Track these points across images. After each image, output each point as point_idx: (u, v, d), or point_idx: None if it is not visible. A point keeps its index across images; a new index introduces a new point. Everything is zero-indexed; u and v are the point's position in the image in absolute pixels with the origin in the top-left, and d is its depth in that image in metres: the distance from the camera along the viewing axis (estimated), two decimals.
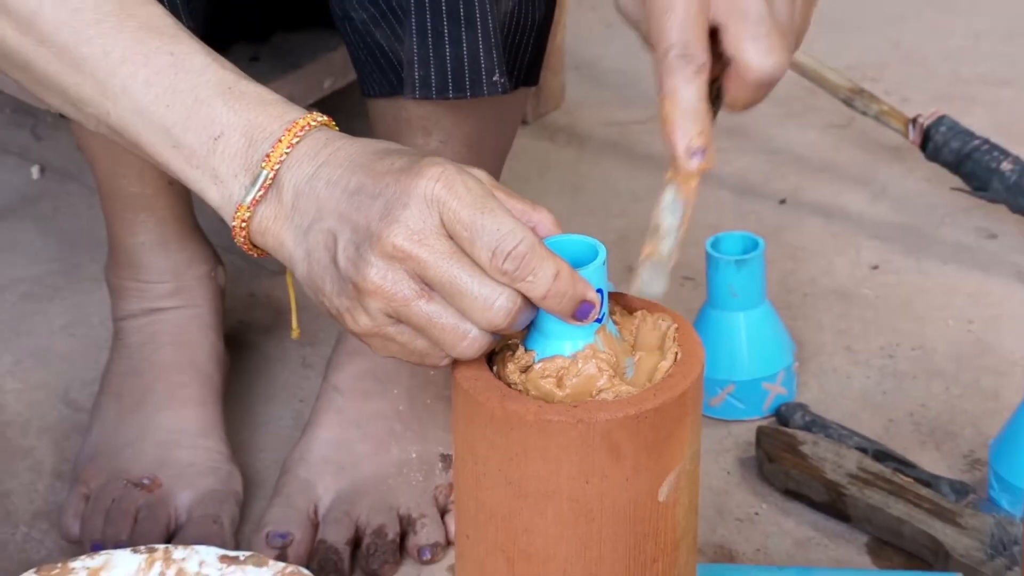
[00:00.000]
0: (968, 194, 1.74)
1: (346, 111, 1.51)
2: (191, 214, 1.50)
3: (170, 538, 1.39)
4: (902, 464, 1.44)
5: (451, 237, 0.99)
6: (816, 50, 1.88)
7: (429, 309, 1.00)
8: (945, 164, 1.74)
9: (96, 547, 1.38)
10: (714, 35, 1.09)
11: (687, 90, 1.06)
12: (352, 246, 1.01)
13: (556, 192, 1.82)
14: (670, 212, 1.09)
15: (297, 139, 1.04)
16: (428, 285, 1.00)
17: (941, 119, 1.75)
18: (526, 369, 1.04)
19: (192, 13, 1.29)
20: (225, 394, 1.50)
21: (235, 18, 1.57)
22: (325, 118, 1.06)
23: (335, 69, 1.70)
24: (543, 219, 1.03)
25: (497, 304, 0.99)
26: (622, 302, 1.09)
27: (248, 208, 1.04)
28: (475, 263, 0.99)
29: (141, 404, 1.45)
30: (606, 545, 1.05)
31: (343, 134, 1.06)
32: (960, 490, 1.41)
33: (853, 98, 1.79)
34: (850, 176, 1.85)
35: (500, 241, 0.98)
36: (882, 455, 1.45)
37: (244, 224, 1.05)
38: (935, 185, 1.81)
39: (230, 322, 1.56)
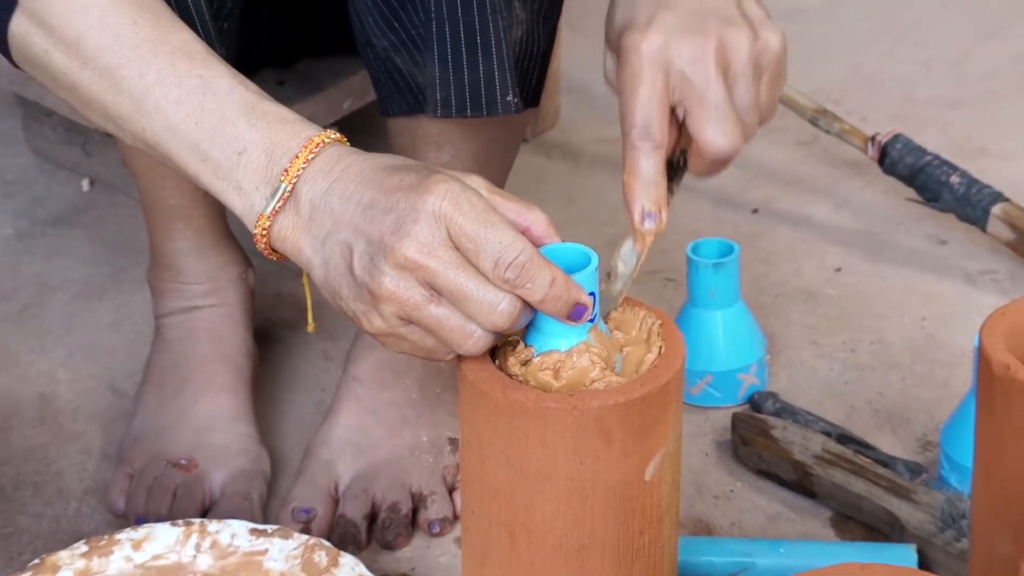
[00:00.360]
0: (921, 204, 1.74)
1: (363, 129, 1.51)
2: (224, 222, 1.50)
3: (205, 513, 1.39)
4: (862, 446, 1.44)
5: (457, 248, 1.00)
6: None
7: (438, 312, 1.01)
8: (900, 177, 1.74)
9: (139, 521, 1.38)
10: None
11: (645, 164, 1.09)
12: (367, 256, 1.01)
13: (552, 202, 1.82)
14: (624, 261, 1.10)
15: (312, 155, 1.05)
16: (437, 291, 1.01)
17: (897, 137, 1.75)
18: (526, 362, 1.04)
19: (225, 42, 1.29)
20: (254, 383, 1.50)
21: (265, 47, 1.57)
22: (338, 135, 1.07)
23: (353, 92, 1.70)
24: (537, 219, 1.04)
25: (500, 308, 1.00)
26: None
27: (268, 218, 1.05)
28: (479, 271, 1.00)
29: (179, 392, 1.45)
30: (598, 520, 1.05)
31: (355, 149, 1.06)
32: (914, 469, 1.41)
33: (818, 118, 1.79)
34: (816, 188, 1.85)
35: (502, 253, 1.00)
36: (844, 438, 1.45)
37: (264, 232, 1.06)
38: (891, 196, 1.81)
39: (259, 319, 1.55)
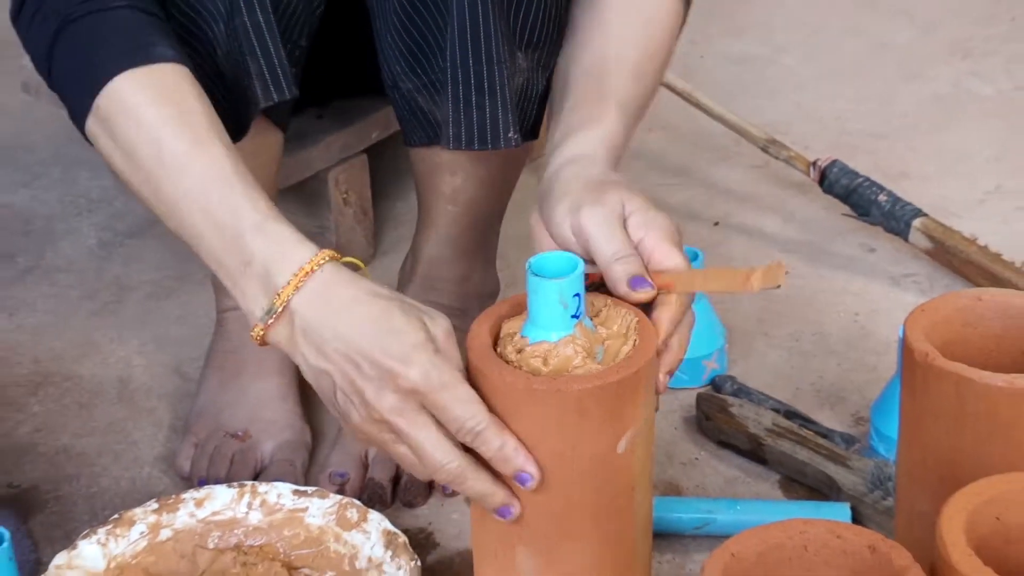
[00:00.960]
0: (854, 219, 1.74)
1: (386, 155, 1.50)
2: None
3: (256, 476, 1.38)
4: (805, 421, 1.43)
5: (428, 412, 1.03)
6: (740, 111, 1.87)
7: (400, 450, 1.05)
8: (837, 196, 1.74)
9: (201, 482, 1.38)
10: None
11: (626, 272, 1.07)
12: (347, 397, 1.04)
13: None
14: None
15: (301, 283, 1.05)
16: (401, 440, 1.04)
17: (834, 162, 1.74)
18: (520, 350, 1.04)
19: (297, 81, 1.29)
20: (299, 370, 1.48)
21: (306, 89, 1.57)
22: (330, 254, 1.07)
23: (380, 125, 1.69)
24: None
25: (449, 467, 1.03)
26: (600, 299, 1.08)
27: (263, 328, 1.07)
28: (439, 430, 1.03)
29: (237, 375, 1.44)
30: (576, 485, 1.04)
31: (345, 278, 1.06)
32: (849, 440, 1.40)
33: (768, 146, 1.79)
34: (767, 205, 1.84)
35: (465, 422, 1.01)
36: (790, 414, 1.44)
37: (259, 337, 1.08)
38: (830, 212, 1.80)
39: None
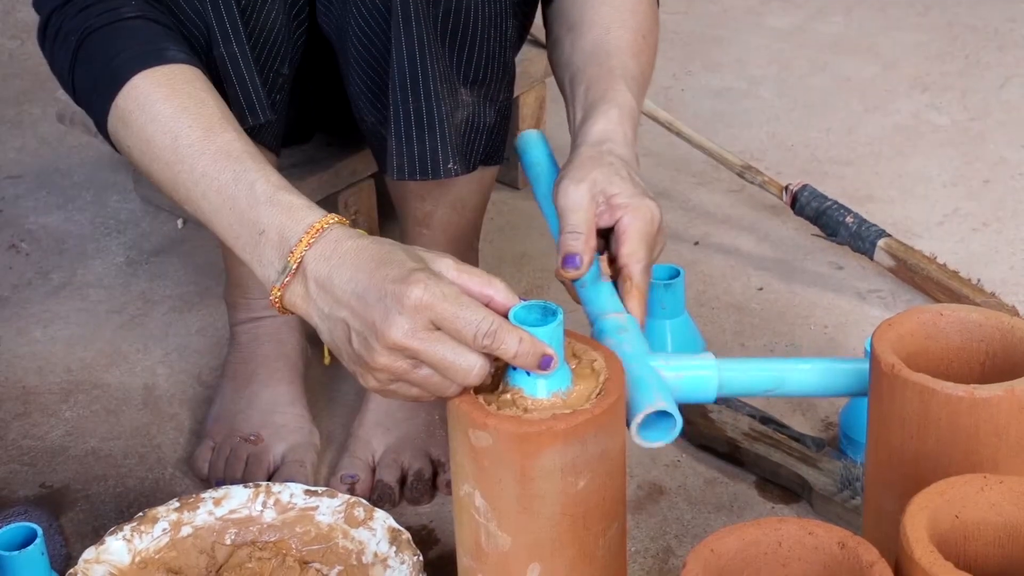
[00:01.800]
0: (823, 239, 1.73)
1: None
2: None
3: (270, 477, 1.37)
4: (779, 426, 1.42)
5: (439, 328, 0.98)
6: (718, 139, 1.86)
7: (423, 373, 0.99)
8: (808, 218, 1.73)
9: (219, 483, 1.37)
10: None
11: (564, 248, 1.10)
12: (360, 336, 1.00)
13: (537, 237, 1.80)
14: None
15: (313, 239, 1.03)
16: (421, 362, 0.99)
17: (805, 187, 1.74)
18: (513, 400, 1.00)
19: (276, 109, 1.28)
20: (307, 377, 1.48)
21: (317, 118, 1.56)
22: (338, 218, 1.05)
23: None
24: (498, 288, 1.01)
25: (475, 370, 0.98)
26: (575, 342, 1.05)
27: (279, 288, 1.04)
28: (455, 341, 0.98)
29: (249, 383, 1.43)
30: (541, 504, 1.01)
31: (351, 233, 1.04)
32: (819, 443, 1.39)
33: (744, 172, 1.78)
34: (743, 226, 1.83)
35: (478, 326, 0.97)
36: (765, 420, 1.43)
37: (277, 299, 1.05)
38: (801, 232, 1.79)
39: (309, 326, 1.53)
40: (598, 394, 1.00)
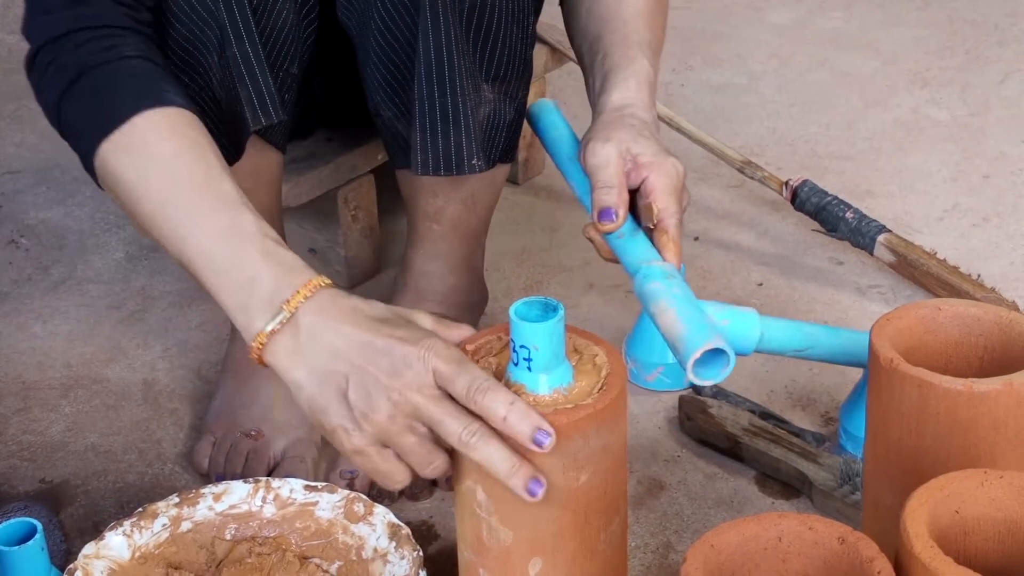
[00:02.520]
0: (823, 234, 1.73)
1: (392, 175, 1.49)
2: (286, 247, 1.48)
3: (270, 473, 1.37)
4: (779, 421, 1.42)
5: (439, 387, 0.98)
6: (718, 135, 1.86)
7: (412, 440, 0.99)
8: (808, 213, 1.73)
9: (219, 478, 1.37)
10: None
11: (599, 203, 1.15)
12: (362, 388, 0.99)
13: (539, 232, 1.80)
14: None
15: (310, 294, 1.02)
16: (419, 422, 0.99)
17: (805, 182, 1.74)
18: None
19: (287, 109, 1.28)
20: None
21: (319, 114, 1.57)
22: (330, 281, 1.05)
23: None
24: (462, 332, 1.04)
25: (470, 432, 0.97)
26: (576, 337, 1.05)
27: (266, 336, 1.03)
28: (454, 404, 0.98)
29: (249, 378, 1.43)
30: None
31: (347, 294, 1.04)
32: (819, 439, 1.39)
33: (744, 167, 1.78)
34: (742, 221, 1.83)
35: (472, 382, 0.97)
36: (765, 415, 1.43)
37: (260, 347, 1.03)
38: (801, 228, 1.79)
39: None
40: (600, 389, 1.00)
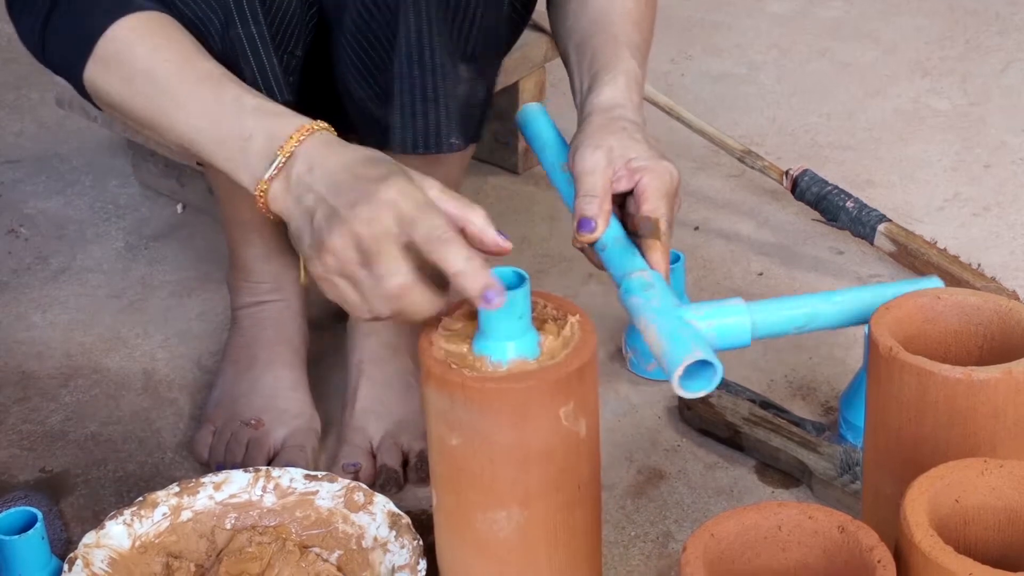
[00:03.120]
0: (824, 224, 1.73)
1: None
2: (286, 235, 1.48)
3: (270, 462, 1.37)
4: (779, 410, 1.42)
5: (399, 229, 1.00)
6: (718, 124, 1.86)
7: (362, 273, 1.01)
8: (808, 203, 1.73)
9: (219, 468, 1.37)
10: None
11: (579, 211, 1.13)
12: (324, 218, 1.02)
13: (538, 220, 1.80)
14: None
15: (303, 136, 1.06)
16: (363, 256, 1.00)
17: (805, 171, 1.74)
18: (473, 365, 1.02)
19: (292, 89, 1.28)
20: (309, 361, 1.48)
21: (317, 99, 1.56)
22: (326, 125, 1.08)
23: None
24: (476, 216, 1.03)
25: (397, 279, 1.00)
26: (549, 303, 1.07)
27: (266, 183, 1.07)
28: (409, 250, 1.00)
29: (250, 368, 1.43)
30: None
31: (339, 139, 1.07)
32: (819, 428, 1.39)
33: (744, 157, 1.78)
34: (743, 211, 1.83)
35: (431, 230, 0.99)
36: (765, 404, 1.43)
37: (263, 194, 1.07)
38: (801, 217, 1.79)
39: (312, 311, 1.53)
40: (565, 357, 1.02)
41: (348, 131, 1.62)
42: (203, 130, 1.11)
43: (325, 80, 1.49)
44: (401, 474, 1.37)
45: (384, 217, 1.00)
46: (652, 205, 1.12)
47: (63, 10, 1.17)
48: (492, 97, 1.37)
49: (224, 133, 1.09)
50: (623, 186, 1.13)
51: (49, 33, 1.18)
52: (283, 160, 1.06)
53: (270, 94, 1.23)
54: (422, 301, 1.02)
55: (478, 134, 1.38)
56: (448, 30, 1.26)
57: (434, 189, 1.03)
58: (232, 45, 1.21)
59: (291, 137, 1.07)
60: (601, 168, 1.12)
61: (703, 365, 1.00)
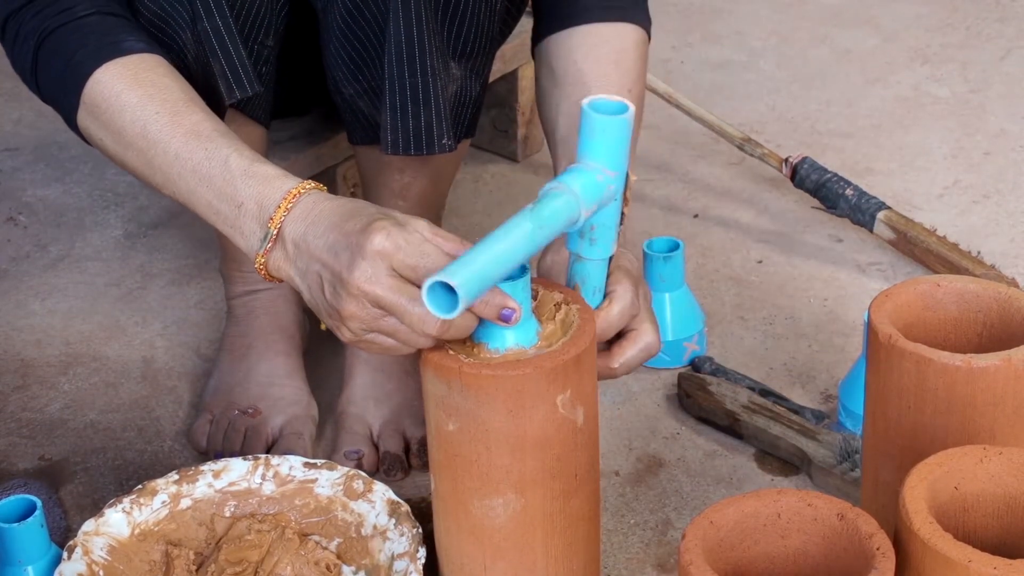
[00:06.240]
0: (823, 211, 1.73)
1: None
2: None
3: (268, 450, 1.37)
4: (778, 398, 1.42)
5: (400, 276, 1.01)
6: (718, 112, 1.86)
7: (391, 322, 1.02)
8: (807, 190, 1.73)
9: (218, 456, 1.37)
10: None
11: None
12: (331, 287, 1.03)
13: None
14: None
15: (292, 204, 1.07)
16: (383, 310, 1.01)
17: (804, 159, 1.73)
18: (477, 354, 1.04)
19: (263, 81, 1.28)
20: (305, 349, 1.48)
21: (312, 92, 1.56)
22: (315, 184, 1.08)
23: None
24: (455, 244, 1.04)
25: (428, 320, 1.00)
26: (554, 294, 1.08)
27: (263, 255, 1.08)
28: (416, 289, 1.00)
29: (246, 356, 1.43)
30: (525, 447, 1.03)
31: (327, 196, 1.07)
32: (818, 416, 1.39)
33: (744, 144, 1.78)
34: (742, 199, 1.83)
35: (428, 266, 1.00)
36: (765, 392, 1.43)
37: (262, 266, 1.08)
38: (801, 205, 1.79)
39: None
40: (563, 344, 1.03)
41: (336, 125, 1.63)
42: (197, 192, 1.11)
43: (315, 73, 1.49)
44: (405, 460, 1.37)
45: (379, 269, 1.01)
46: (623, 365, 1.13)
47: (50, 47, 1.16)
48: (485, 93, 1.37)
49: (217, 196, 1.10)
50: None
51: (40, 70, 1.17)
52: (274, 233, 1.07)
53: (239, 85, 1.23)
54: (462, 322, 1.02)
55: (471, 131, 1.37)
56: (439, 27, 1.26)
57: (425, 230, 1.04)
58: (200, 39, 1.21)
59: (279, 207, 1.07)
60: (627, 311, 1.12)
61: (448, 291, 0.97)
